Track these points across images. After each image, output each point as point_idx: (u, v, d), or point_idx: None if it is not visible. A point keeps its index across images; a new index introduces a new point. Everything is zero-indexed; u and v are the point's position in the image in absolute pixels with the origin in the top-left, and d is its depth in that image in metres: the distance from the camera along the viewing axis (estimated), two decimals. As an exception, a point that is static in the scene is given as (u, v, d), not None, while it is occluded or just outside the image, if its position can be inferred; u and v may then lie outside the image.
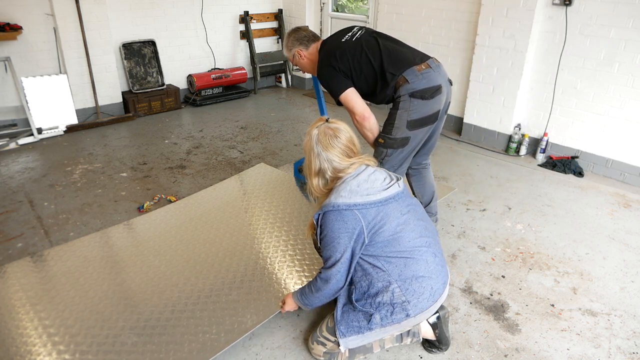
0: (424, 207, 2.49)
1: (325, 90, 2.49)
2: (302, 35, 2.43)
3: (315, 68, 2.42)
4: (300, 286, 1.98)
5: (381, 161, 2.30)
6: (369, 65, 2.24)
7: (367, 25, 5.07)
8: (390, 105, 2.30)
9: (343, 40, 2.31)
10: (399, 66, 2.20)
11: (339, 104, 2.37)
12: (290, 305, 1.91)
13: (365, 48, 2.25)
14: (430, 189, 2.63)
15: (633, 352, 1.92)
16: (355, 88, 2.29)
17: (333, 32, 2.51)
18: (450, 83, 2.34)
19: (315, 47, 2.42)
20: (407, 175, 2.59)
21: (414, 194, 2.63)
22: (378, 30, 2.46)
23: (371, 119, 2.31)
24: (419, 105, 2.18)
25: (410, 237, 1.69)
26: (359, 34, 2.34)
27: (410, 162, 2.44)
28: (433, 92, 2.19)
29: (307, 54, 2.43)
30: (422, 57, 2.27)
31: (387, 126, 2.27)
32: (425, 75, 2.18)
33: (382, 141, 2.28)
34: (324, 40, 2.43)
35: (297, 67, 2.61)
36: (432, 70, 2.21)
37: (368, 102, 2.36)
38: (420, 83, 2.17)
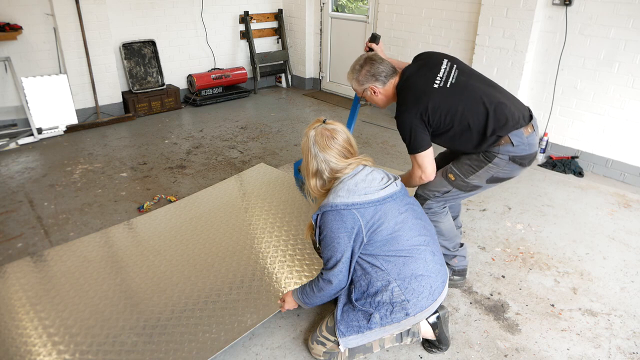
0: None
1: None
2: (379, 70, 2.08)
3: (388, 103, 2.18)
4: (300, 284, 1.98)
5: (437, 195, 2.12)
6: (464, 124, 1.98)
7: (368, 24, 5.07)
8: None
9: (435, 85, 1.99)
10: (505, 126, 1.96)
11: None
12: (290, 304, 1.91)
13: (465, 103, 1.97)
14: (457, 206, 2.47)
15: (633, 352, 1.92)
16: (438, 143, 2.09)
17: (414, 61, 2.16)
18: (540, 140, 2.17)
19: (393, 82, 2.11)
20: None
21: None
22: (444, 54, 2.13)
23: (429, 169, 2.09)
24: (513, 168, 2.04)
25: (409, 235, 1.69)
26: (452, 77, 2.03)
27: None
28: (531, 159, 2.06)
29: (383, 90, 2.12)
30: (526, 115, 2.03)
31: (467, 168, 2.07)
32: (530, 140, 2.01)
33: (453, 178, 2.09)
34: (405, 73, 2.10)
35: (366, 102, 2.31)
36: (535, 134, 2.03)
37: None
38: (525, 149, 2.00)
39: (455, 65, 2.07)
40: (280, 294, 2.09)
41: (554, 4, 3.49)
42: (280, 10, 5.83)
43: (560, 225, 2.88)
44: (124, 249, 2.55)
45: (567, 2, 3.39)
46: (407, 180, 2.14)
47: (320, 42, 5.71)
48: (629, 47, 3.23)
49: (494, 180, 2.08)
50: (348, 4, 5.99)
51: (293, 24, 5.82)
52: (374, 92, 2.12)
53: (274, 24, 5.87)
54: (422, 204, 2.13)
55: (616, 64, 3.32)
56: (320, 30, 5.65)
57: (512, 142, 1.97)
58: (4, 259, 2.50)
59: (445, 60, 2.08)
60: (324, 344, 1.81)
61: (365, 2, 5.32)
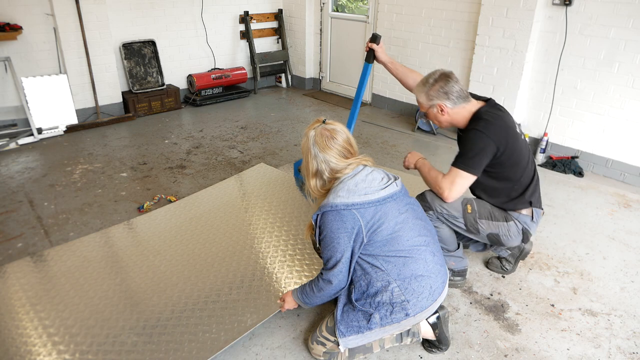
0: (471, 240, 2.40)
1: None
2: (453, 90, 2.01)
3: (451, 125, 2.13)
4: (300, 284, 1.98)
5: (445, 214, 2.13)
6: (516, 175, 2.09)
7: (368, 24, 5.07)
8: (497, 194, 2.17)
9: (518, 130, 2.10)
10: (538, 199, 2.19)
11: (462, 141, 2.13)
12: (290, 304, 1.91)
13: (526, 159, 2.11)
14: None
15: (633, 352, 1.92)
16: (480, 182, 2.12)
17: (489, 108, 2.10)
18: None
19: (464, 107, 2.05)
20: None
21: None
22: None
23: (456, 193, 2.08)
24: (515, 240, 2.18)
25: (409, 236, 1.69)
26: (522, 133, 2.16)
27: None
28: (529, 237, 2.22)
29: (452, 111, 2.05)
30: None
31: (485, 212, 2.15)
32: (536, 221, 2.19)
33: (469, 211, 2.15)
34: (495, 105, 2.09)
35: (425, 118, 2.27)
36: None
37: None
38: (533, 229, 2.20)
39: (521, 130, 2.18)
40: (280, 294, 2.09)
41: (554, 4, 3.49)
42: (280, 10, 5.83)
43: (560, 225, 2.88)
44: (124, 249, 2.55)
45: (567, 2, 3.39)
46: (429, 179, 2.12)
47: (320, 42, 5.71)
48: (629, 47, 3.23)
49: (493, 238, 2.17)
50: (348, 4, 5.99)
51: (293, 24, 5.82)
52: (441, 111, 2.05)
53: (274, 24, 5.87)
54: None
55: (616, 64, 3.32)
56: (320, 30, 5.65)
57: (532, 217, 2.14)
58: (4, 259, 2.50)
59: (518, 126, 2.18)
60: (324, 344, 1.81)
61: (365, 2, 5.32)
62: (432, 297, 1.70)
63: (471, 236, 2.21)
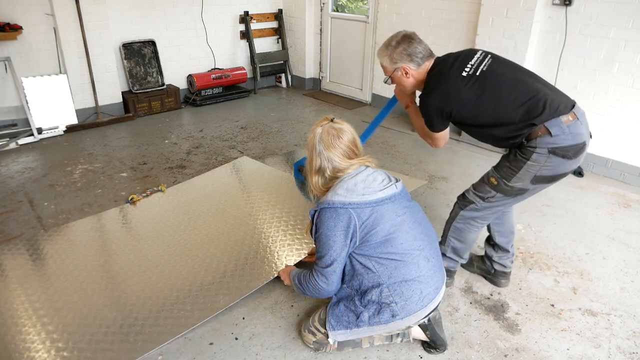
0: (497, 251, 2.26)
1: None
2: (417, 51, 1.97)
3: (415, 88, 2.09)
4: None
5: (484, 199, 2.01)
6: (492, 116, 1.87)
7: (368, 24, 5.07)
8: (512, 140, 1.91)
9: (464, 74, 1.90)
10: (542, 114, 1.79)
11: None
12: (286, 280, 2.01)
13: (492, 92, 1.86)
14: (510, 229, 2.26)
15: (633, 352, 1.92)
16: (462, 128, 2.04)
17: (450, 53, 2.09)
18: (590, 136, 1.93)
19: (427, 66, 2.00)
20: None
21: (488, 234, 2.30)
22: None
23: (440, 143, 2.11)
24: (556, 162, 1.83)
25: (404, 239, 1.69)
26: (484, 63, 1.93)
27: None
28: (577, 150, 1.83)
29: (416, 73, 2.01)
30: (568, 103, 1.85)
31: (507, 170, 1.91)
32: (572, 130, 1.80)
33: (496, 183, 1.95)
34: (438, 60, 2.02)
35: (389, 82, 2.14)
36: (579, 123, 1.82)
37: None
38: (566, 139, 1.79)
39: (490, 55, 1.97)
40: (257, 276, 2.18)
41: (554, 4, 3.49)
42: (280, 10, 5.83)
43: (560, 225, 2.88)
44: (108, 233, 2.71)
45: (567, 2, 3.39)
46: (417, 126, 2.17)
47: (320, 42, 5.71)
48: (629, 47, 3.23)
49: (541, 180, 1.88)
50: (348, 4, 5.99)
51: (293, 24, 5.82)
52: (406, 74, 2.01)
53: (274, 24, 5.87)
54: (464, 207, 2.09)
55: (616, 64, 3.32)
56: (320, 30, 5.65)
57: (550, 133, 1.78)
58: (4, 259, 2.50)
59: (480, 51, 2.01)
60: (314, 334, 1.84)
61: (365, 2, 5.32)
62: (422, 302, 1.69)
63: (530, 195, 1.97)
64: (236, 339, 1.97)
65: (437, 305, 1.79)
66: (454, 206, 2.16)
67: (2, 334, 1.93)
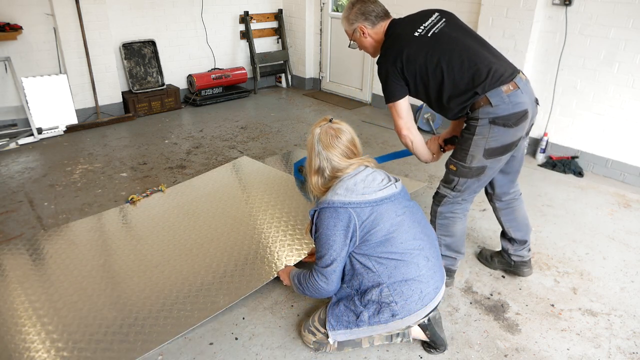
0: (514, 244, 2.30)
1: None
2: (370, 9, 2.03)
3: (376, 51, 2.10)
4: (297, 268, 2.06)
5: (452, 189, 2.05)
6: (439, 77, 1.89)
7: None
8: (463, 125, 1.98)
9: (416, 34, 1.93)
10: (483, 83, 1.82)
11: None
12: (285, 280, 2.00)
13: (441, 53, 1.87)
14: (524, 221, 2.27)
15: (633, 352, 1.92)
16: (416, 96, 2.04)
17: (408, 14, 2.13)
18: (537, 103, 1.97)
19: (383, 26, 2.05)
20: (495, 210, 2.29)
21: (503, 230, 2.34)
22: (453, 20, 2.01)
23: (411, 138, 2.05)
24: (499, 132, 1.86)
25: (403, 239, 1.69)
26: (437, 26, 1.94)
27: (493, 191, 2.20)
28: (518, 119, 1.85)
29: (373, 32, 2.05)
30: (512, 72, 1.88)
31: (460, 152, 1.96)
32: (512, 99, 1.83)
33: (454, 168, 1.99)
34: (394, 21, 2.07)
35: (355, 45, 2.19)
36: (519, 92, 1.84)
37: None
38: (505, 108, 1.82)
39: (444, 19, 1.99)
40: (257, 276, 2.18)
41: (554, 4, 3.49)
42: (280, 10, 5.83)
43: (560, 225, 2.88)
44: (109, 234, 2.69)
45: (567, 2, 3.39)
46: (398, 132, 2.10)
47: (320, 42, 5.71)
48: (629, 47, 3.23)
49: (493, 153, 1.90)
50: (348, 4, 5.98)
51: (293, 24, 5.82)
52: (363, 33, 2.07)
53: (274, 24, 5.87)
54: (439, 204, 2.13)
55: (616, 64, 3.32)
56: (320, 30, 5.65)
57: (490, 103, 1.82)
58: (4, 259, 2.50)
59: (436, 13, 2.02)
60: (314, 334, 1.84)
61: (365, 2, 5.32)
62: (422, 302, 1.69)
63: (491, 172, 2.00)
64: (236, 339, 1.97)
65: (437, 305, 1.79)
66: (431, 206, 2.19)
67: (2, 334, 1.93)
